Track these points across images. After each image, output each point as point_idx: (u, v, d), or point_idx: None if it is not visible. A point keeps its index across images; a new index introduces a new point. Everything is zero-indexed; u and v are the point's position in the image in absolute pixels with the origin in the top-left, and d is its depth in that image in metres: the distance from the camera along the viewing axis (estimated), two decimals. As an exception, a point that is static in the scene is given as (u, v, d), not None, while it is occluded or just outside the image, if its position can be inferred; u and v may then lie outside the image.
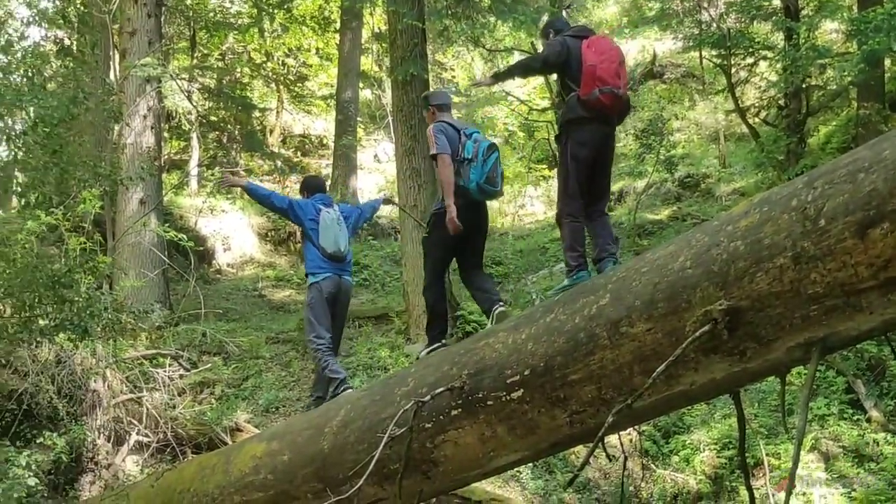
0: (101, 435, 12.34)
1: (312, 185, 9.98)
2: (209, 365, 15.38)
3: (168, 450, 12.73)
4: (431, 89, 10.85)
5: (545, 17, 21.38)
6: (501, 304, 7.47)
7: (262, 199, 9.77)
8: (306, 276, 9.54)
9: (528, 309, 5.79)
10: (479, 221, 7.98)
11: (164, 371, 14.04)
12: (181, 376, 14.39)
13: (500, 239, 25.52)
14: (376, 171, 31.94)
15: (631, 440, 12.48)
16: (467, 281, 8.24)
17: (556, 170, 7.64)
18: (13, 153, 8.84)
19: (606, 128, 7.37)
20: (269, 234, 25.68)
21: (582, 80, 7.13)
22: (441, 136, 7.80)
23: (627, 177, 26.72)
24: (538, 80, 29.94)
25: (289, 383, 15.32)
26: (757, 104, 21.59)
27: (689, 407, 13.11)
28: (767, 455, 12.31)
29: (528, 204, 29.19)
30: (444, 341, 7.77)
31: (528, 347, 4.77)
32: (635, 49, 33.85)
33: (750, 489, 5.10)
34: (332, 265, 9.28)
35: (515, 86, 32.81)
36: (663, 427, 13.66)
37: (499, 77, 8.20)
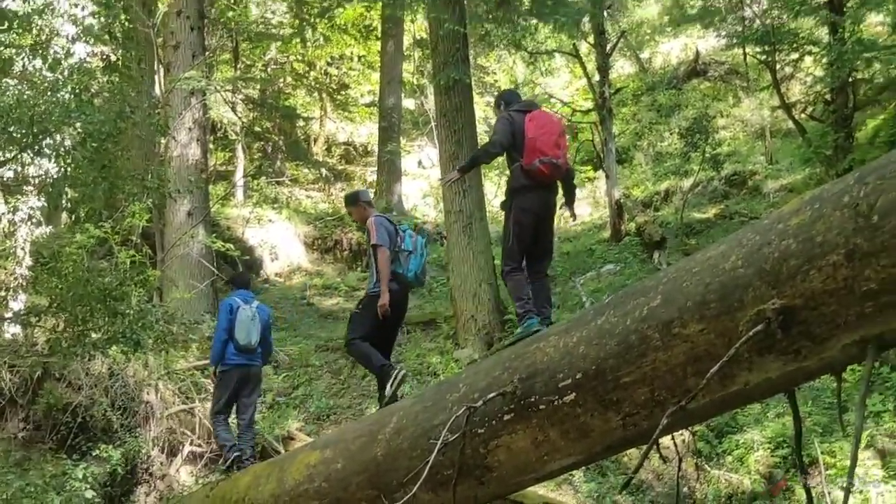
0: (156, 446, 12.46)
1: (238, 282, 11.27)
2: (260, 374, 15.47)
3: (221, 460, 12.83)
4: (356, 188, 12.00)
5: (587, 19, 21.43)
6: (399, 369, 8.53)
7: (219, 349, 10.44)
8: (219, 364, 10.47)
9: (579, 312, 5.78)
10: (403, 306, 9.10)
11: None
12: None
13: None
14: (420, 176, 32.02)
15: (684, 441, 12.41)
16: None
17: (503, 227, 8.26)
18: (63, 169, 8.92)
19: (547, 194, 8.16)
20: (315, 242, 25.83)
21: (524, 152, 7.90)
22: (382, 228, 8.81)
23: (673, 176, 26.63)
24: (582, 82, 29.92)
25: (339, 391, 15.39)
26: (803, 100, 21.42)
27: (743, 406, 13.03)
28: (823, 453, 12.18)
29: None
30: (399, 369, 8.62)
31: (579, 351, 4.75)
32: (678, 47, 33.75)
33: (807, 488, 5.07)
34: (241, 356, 10.34)
35: (558, 87, 32.78)
36: (716, 427, 13.55)
37: (464, 170, 8.68)
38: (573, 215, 9.29)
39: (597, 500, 12.79)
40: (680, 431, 5.38)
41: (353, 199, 9.64)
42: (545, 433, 4.96)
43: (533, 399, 4.95)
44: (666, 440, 4.84)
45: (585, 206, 29.20)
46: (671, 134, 29.26)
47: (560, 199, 8.60)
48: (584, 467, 12.37)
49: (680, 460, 5.84)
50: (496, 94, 9.18)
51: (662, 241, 21.05)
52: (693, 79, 31.39)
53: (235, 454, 9.97)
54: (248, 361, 10.42)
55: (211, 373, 11.01)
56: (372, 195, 9.65)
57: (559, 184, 8.47)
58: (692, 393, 4.13)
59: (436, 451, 5.29)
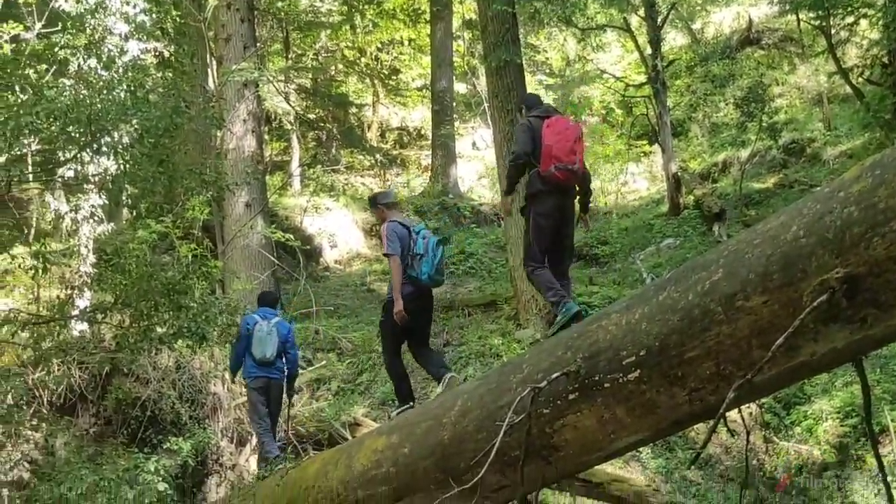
0: (224, 437, 12.58)
1: (263, 300, 11.84)
2: (324, 362, 15.57)
3: (289, 448, 12.91)
4: (380, 190, 12.22)
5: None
6: (451, 372, 8.87)
7: (232, 358, 11.62)
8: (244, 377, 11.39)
9: (640, 288, 5.75)
10: (427, 305, 9.34)
11: (280, 371, 14.24)
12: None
13: (604, 218, 25.40)
14: (475, 158, 31.99)
15: (752, 413, 12.33)
16: (418, 355, 9.48)
17: (525, 230, 8.59)
18: (122, 166, 9.01)
19: (564, 199, 8.38)
20: (373, 228, 25.87)
21: (541, 158, 8.14)
22: (394, 235, 9.08)
23: (730, 147, 26.39)
24: (634, 56, 29.73)
25: (403, 376, 15.42)
26: (860, 64, 21.03)
27: (810, 377, 12.90)
28: (893, 421, 12.05)
29: (630, 181, 28.97)
30: (411, 403, 9.08)
31: (642, 327, 4.73)
32: (730, 16, 33.38)
33: (878, 457, 5.01)
34: (261, 369, 11.08)
35: (610, 63, 32.56)
36: (783, 399, 13.45)
37: (509, 192, 8.94)
38: (587, 225, 9.42)
39: (665, 475, 12.76)
40: (747, 404, 5.35)
41: (372, 202, 10.02)
42: (611, 411, 4.95)
43: (597, 377, 4.94)
44: (733, 413, 4.81)
45: (642, 181, 29.08)
46: (726, 104, 29.01)
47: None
48: (651, 444, 12.34)
49: (748, 433, 5.79)
50: (530, 99, 9.13)
51: (722, 212, 20.90)
52: (747, 47, 31.00)
53: (280, 466, 10.47)
54: (266, 374, 11.09)
55: (229, 379, 11.99)
56: (393, 197, 9.89)
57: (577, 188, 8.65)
58: (758, 366, 4.09)
59: (502, 432, 5.30)
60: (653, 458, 12.98)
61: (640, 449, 12.53)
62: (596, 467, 8.53)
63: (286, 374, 11.45)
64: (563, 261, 8.50)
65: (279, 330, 11.21)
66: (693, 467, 12.73)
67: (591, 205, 9.00)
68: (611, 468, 11.75)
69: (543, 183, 8.16)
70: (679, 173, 23.31)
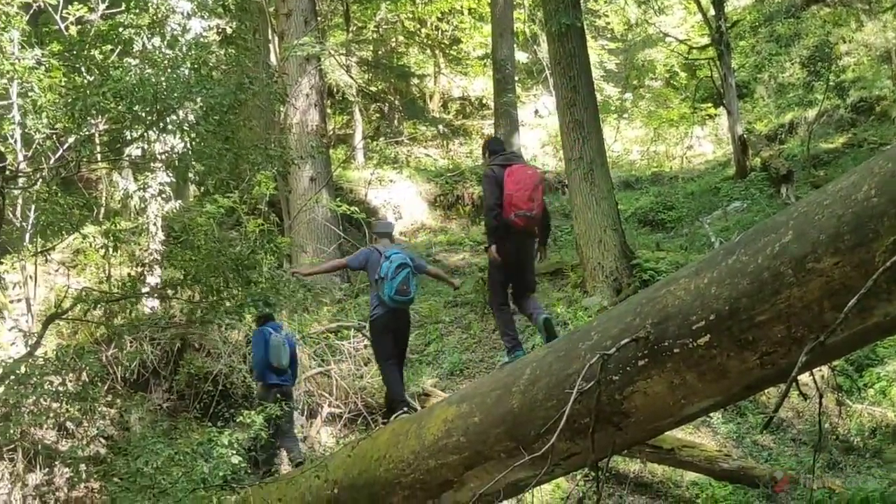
0: (295, 409, 12.68)
1: (264, 318, 11.96)
2: (391, 333, 15.59)
3: (359, 419, 13.01)
4: (380, 219, 12.96)
5: None
6: (405, 410, 9.21)
7: (262, 370, 11.83)
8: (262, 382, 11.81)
9: (708, 253, 5.71)
10: (399, 325, 9.94)
11: (349, 343, 14.32)
12: (365, 346, 14.63)
13: (669, 183, 25.18)
14: (538, 126, 31.81)
15: (823, 376, 12.18)
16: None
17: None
18: (188, 144, 9.08)
19: (524, 239, 9.24)
20: (437, 199, 25.90)
21: (502, 205, 8.93)
22: (361, 255, 10.10)
23: (797, 107, 26.00)
24: (696, 18, 29.37)
25: (471, 345, 15.45)
26: (929, 18, 20.65)
27: (883, 339, 12.70)
28: (969, 382, 11.87)
29: (696, 144, 28.67)
30: (405, 409, 9.33)
31: (711, 291, 4.70)
32: (795, -27, 32.78)
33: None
34: (277, 376, 11.57)
35: (672, 26, 32.21)
36: (856, 361, 13.26)
37: (495, 241, 9.17)
38: (544, 256, 10.35)
39: (736, 440, 12.67)
40: (818, 367, 5.29)
41: (370, 227, 11.14)
42: (681, 376, 4.93)
43: (666, 343, 4.92)
44: (805, 377, 4.77)
45: (708, 144, 28.78)
46: (792, 64, 28.58)
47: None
48: (722, 409, 12.26)
49: (820, 396, 5.70)
50: (493, 145, 9.97)
51: (789, 174, 20.63)
52: (812, 5, 30.44)
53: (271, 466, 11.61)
54: (281, 381, 11.59)
55: (258, 387, 12.09)
56: (388, 227, 10.86)
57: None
58: (830, 328, 4.06)
59: (572, 400, 5.30)
60: (723, 423, 12.89)
61: (711, 414, 12.45)
62: (666, 433, 8.51)
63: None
64: (524, 291, 9.45)
65: (288, 342, 11.79)
66: (765, 432, 12.62)
67: (549, 239, 10.14)
68: (681, 434, 11.70)
69: (504, 227, 8.97)
70: (745, 135, 23.03)
